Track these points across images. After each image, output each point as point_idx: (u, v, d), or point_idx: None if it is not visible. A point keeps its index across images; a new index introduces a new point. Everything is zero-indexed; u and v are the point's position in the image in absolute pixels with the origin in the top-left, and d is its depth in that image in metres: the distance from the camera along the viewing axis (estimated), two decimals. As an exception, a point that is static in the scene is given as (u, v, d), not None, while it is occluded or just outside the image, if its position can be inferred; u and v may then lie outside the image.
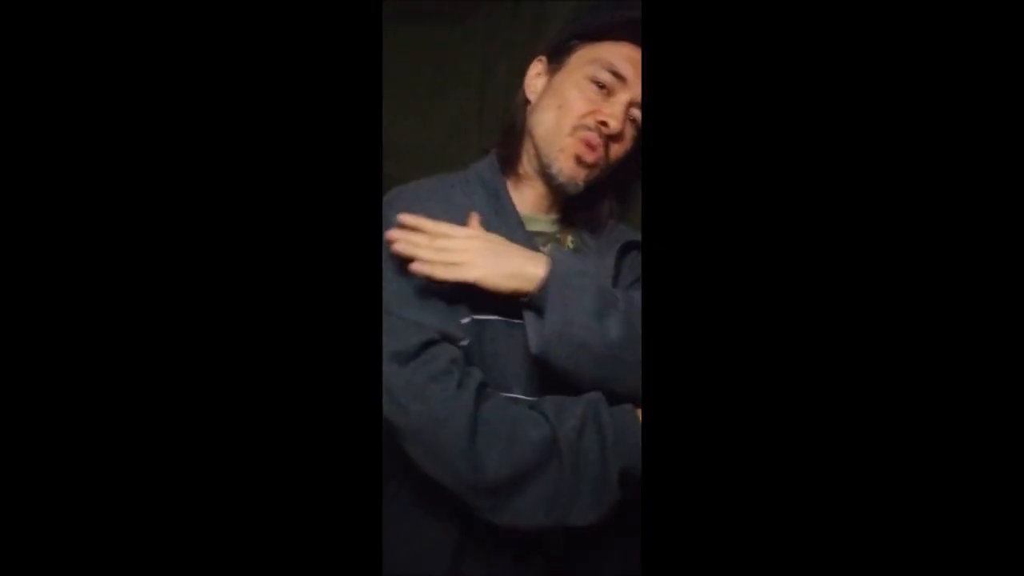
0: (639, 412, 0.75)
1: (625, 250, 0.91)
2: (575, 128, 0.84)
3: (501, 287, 0.75)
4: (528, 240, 0.85)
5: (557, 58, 0.89)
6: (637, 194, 1.02)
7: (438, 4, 1.12)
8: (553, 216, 0.92)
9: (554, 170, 0.86)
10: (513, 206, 0.88)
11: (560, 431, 0.72)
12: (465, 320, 0.78)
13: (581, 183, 0.87)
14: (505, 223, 0.85)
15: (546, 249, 0.87)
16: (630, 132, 0.88)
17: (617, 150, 0.87)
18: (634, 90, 0.85)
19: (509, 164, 0.91)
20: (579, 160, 0.85)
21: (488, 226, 0.81)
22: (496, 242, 0.78)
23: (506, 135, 0.92)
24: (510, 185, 0.91)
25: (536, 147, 0.88)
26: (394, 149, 1.10)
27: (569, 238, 0.93)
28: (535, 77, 0.91)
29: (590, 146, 0.84)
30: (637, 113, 0.86)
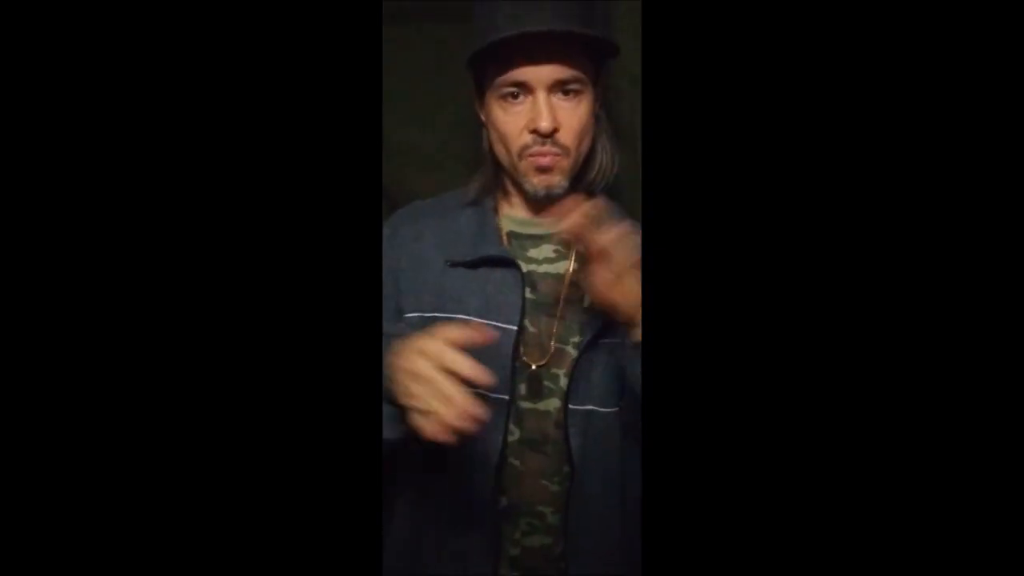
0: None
1: None
2: (521, 150, 0.85)
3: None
4: (500, 251, 0.87)
5: (480, 89, 0.89)
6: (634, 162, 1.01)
7: (438, 4, 1.12)
8: (546, 218, 0.91)
9: (529, 188, 0.86)
10: (495, 225, 0.90)
11: None
12: (410, 315, 0.83)
13: (559, 185, 0.86)
14: (487, 241, 0.88)
15: (552, 249, 0.89)
16: (569, 106, 0.84)
17: (567, 134, 0.84)
18: (544, 82, 0.82)
19: (495, 180, 0.93)
20: (542, 171, 0.85)
21: (473, 245, 0.87)
22: None
23: (485, 156, 0.93)
24: (501, 198, 0.93)
25: (504, 173, 0.90)
26: (394, 150, 1.11)
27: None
28: (476, 105, 0.92)
29: (542, 155, 0.84)
30: (567, 86, 0.83)
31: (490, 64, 0.84)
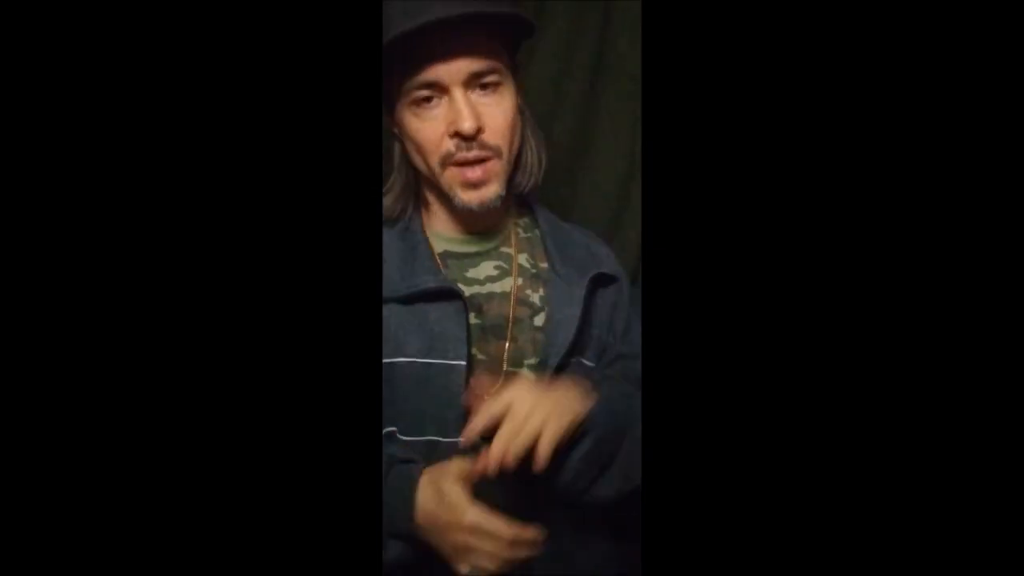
0: (420, 477, 0.71)
1: (596, 283, 0.83)
2: (443, 159, 0.75)
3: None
4: (440, 281, 0.77)
5: (389, 98, 0.80)
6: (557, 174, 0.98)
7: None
8: (488, 229, 0.84)
9: (459, 203, 0.77)
10: (427, 246, 0.80)
11: None
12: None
13: (497, 196, 0.77)
14: (421, 270, 0.78)
15: (492, 266, 0.82)
16: (491, 101, 0.76)
17: (494, 134, 0.76)
18: (458, 77, 0.74)
19: (417, 199, 0.82)
20: (470, 184, 0.76)
21: (404, 275, 0.77)
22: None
23: (395, 168, 0.83)
24: (427, 218, 0.83)
25: (425, 184, 0.81)
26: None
27: (523, 256, 0.84)
28: (386, 117, 0.82)
29: (469, 166, 0.75)
30: (484, 79, 0.75)
31: (396, 68, 0.75)
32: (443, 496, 0.68)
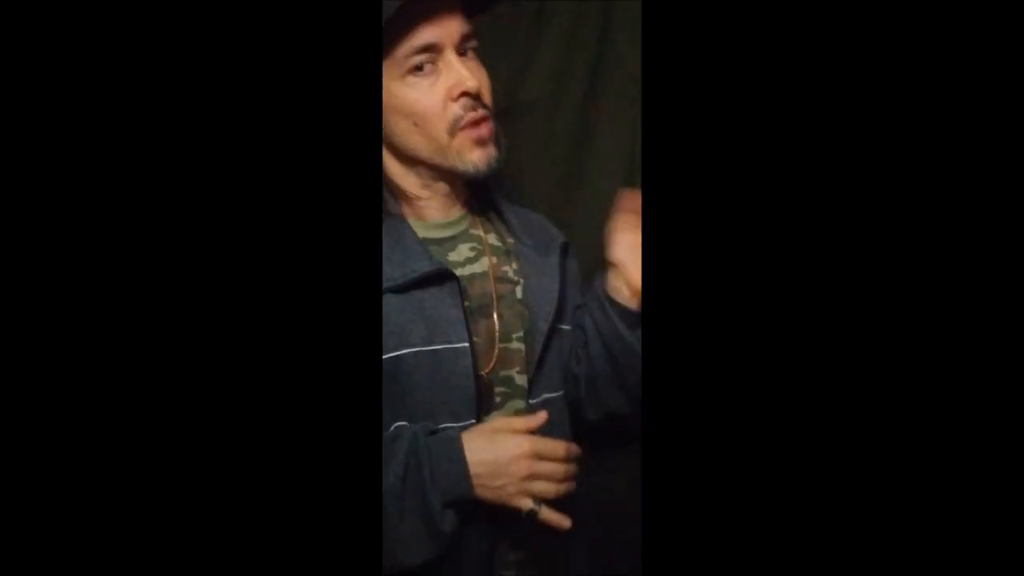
0: (461, 437, 0.73)
1: (565, 251, 0.89)
2: (451, 124, 0.75)
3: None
4: (435, 263, 0.78)
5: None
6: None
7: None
8: (457, 213, 0.85)
9: (465, 169, 0.77)
10: (412, 233, 0.80)
11: (386, 483, 0.70)
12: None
13: (495, 157, 0.78)
14: (412, 256, 0.77)
15: (467, 247, 0.83)
16: (476, 63, 0.78)
17: (485, 92, 0.78)
18: (451, 38, 0.75)
19: (392, 190, 0.82)
20: (481, 143, 0.76)
21: (395, 264, 0.76)
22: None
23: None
24: (406, 209, 0.82)
25: (432, 165, 0.80)
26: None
27: (491, 236, 0.86)
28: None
29: (478, 124, 0.76)
30: (468, 43, 0.77)
31: (390, 42, 0.74)
32: (496, 436, 0.73)
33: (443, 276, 0.77)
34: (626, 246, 0.82)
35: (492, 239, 0.86)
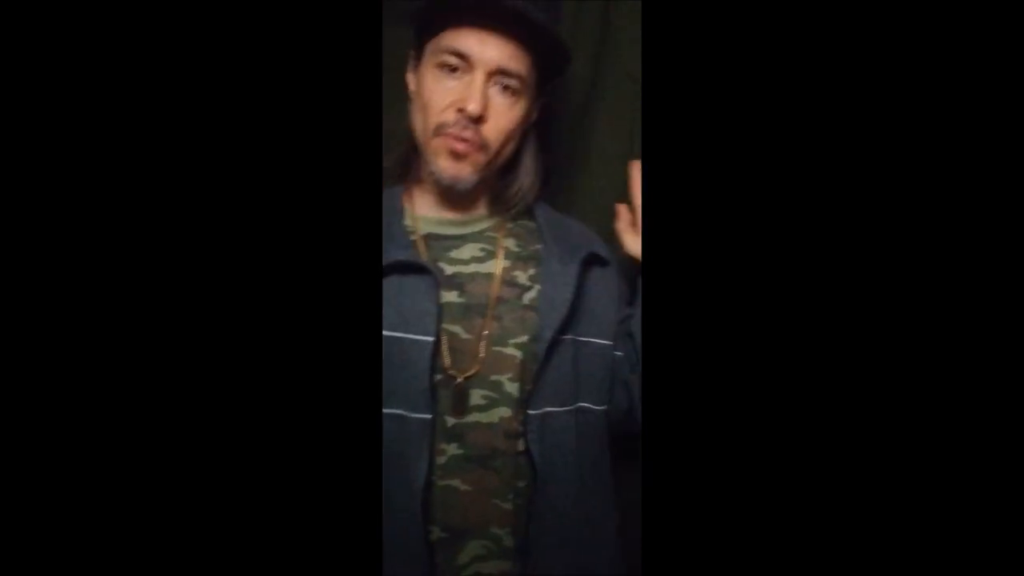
0: None
1: (589, 263, 0.87)
2: (439, 126, 0.79)
3: None
4: (411, 256, 0.79)
5: (417, 54, 0.83)
6: (563, 176, 1.02)
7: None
8: (478, 213, 0.87)
9: (435, 171, 0.80)
10: (401, 223, 0.83)
11: None
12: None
13: (468, 179, 0.80)
14: (394, 243, 0.80)
15: (476, 247, 0.84)
16: (503, 102, 0.80)
17: (493, 130, 0.80)
18: (487, 64, 0.77)
19: (406, 168, 0.86)
20: (454, 155, 0.79)
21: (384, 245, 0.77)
22: None
23: (395, 139, 0.85)
24: (416, 191, 0.86)
25: (419, 149, 0.84)
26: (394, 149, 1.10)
27: (510, 240, 0.87)
28: (409, 74, 0.86)
29: (459, 139, 0.78)
30: (507, 81, 0.79)
31: (436, 23, 0.78)
32: None
33: (419, 269, 0.79)
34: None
35: (511, 243, 0.87)
